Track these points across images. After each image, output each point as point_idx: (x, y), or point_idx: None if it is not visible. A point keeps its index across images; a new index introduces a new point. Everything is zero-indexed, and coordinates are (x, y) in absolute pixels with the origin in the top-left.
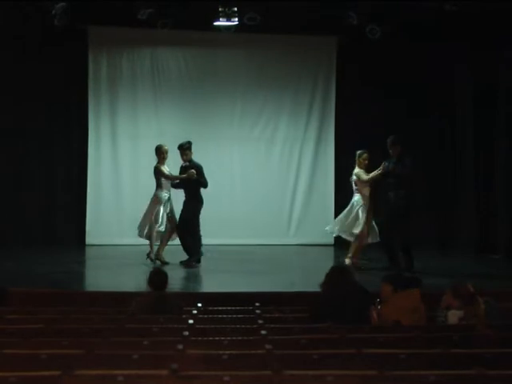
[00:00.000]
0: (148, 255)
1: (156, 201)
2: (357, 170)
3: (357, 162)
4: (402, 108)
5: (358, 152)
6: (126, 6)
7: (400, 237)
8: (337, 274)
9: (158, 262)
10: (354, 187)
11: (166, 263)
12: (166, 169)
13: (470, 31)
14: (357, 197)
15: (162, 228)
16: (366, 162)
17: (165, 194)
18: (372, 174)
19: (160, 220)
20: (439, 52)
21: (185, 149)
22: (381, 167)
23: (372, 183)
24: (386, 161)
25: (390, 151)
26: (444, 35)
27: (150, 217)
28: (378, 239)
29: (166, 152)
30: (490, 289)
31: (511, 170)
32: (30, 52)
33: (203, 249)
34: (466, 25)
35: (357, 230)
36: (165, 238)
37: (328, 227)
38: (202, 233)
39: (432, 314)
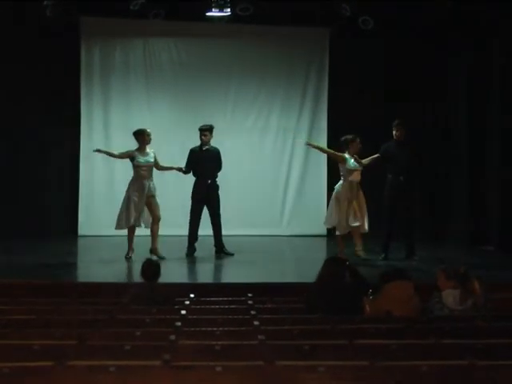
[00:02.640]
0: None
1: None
2: (346, 155)
3: (349, 147)
4: (394, 100)
5: (349, 137)
6: None
7: (407, 223)
8: (331, 266)
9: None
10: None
11: (162, 258)
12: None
13: (464, 25)
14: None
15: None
16: (360, 145)
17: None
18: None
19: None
20: (433, 44)
21: (205, 130)
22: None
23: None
24: (385, 144)
25: (396, 133)
26: (438, 29)
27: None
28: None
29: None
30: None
31: (504, 162)
32: (22, 43)
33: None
34: (459, 18)
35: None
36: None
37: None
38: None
39: (425, 304)
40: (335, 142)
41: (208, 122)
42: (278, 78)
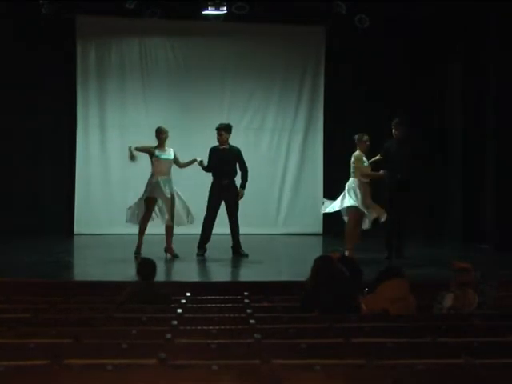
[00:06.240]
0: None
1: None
2: (357, 152)
3: (358, 145)
4: (391, 99)
5: (356, 136)
6: None
7: (399, 222)
8: (321, 264)
9: (168, 256)
10: (352, 170)
11: (176, 256)
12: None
13: (463, 26)
14: (350, 180)
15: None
16: (368, 143)
17: (155, 180)
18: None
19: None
20: (430, 43)
21: (220, 129)
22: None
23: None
24: (386, 142)
25: (395, 132)
26: (436, 28)
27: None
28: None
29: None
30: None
31: (499, 159)
32: (17, 41)
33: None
34: (457, 19)
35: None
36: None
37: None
38: None
39: (423, 302)
40: (331, 141)
41: (204, 120)
42: (273, 77)
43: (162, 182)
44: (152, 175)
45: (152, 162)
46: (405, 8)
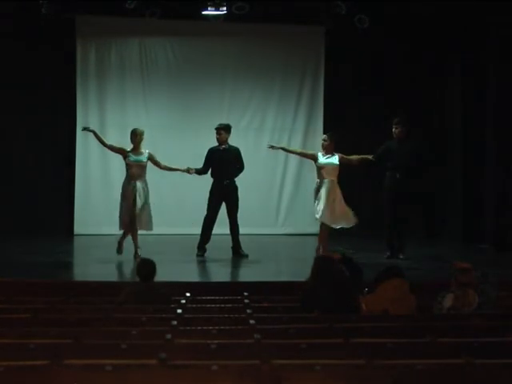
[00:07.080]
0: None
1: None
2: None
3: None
4: (390, 99)
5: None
6: None
7: (399, 221)
8: (321, 264)
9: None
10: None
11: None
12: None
13: (463, 26)
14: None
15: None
16: (322, 142)
17: (127, 184)
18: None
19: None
20: (430, 43)
21: (219, 129)
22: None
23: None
24: (386, 142)
25: (395, 131)
26: (435, 28)
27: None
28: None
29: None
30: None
31: (499, 159)
32: (17, 41)
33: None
34: (457, 19)
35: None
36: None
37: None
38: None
39: (423, 302)
40: None
41: (203, 120)
42: (273, 77)
43: (132, 186)
44: (125, 179)
45: (126, 164)
46: (405, 8)
